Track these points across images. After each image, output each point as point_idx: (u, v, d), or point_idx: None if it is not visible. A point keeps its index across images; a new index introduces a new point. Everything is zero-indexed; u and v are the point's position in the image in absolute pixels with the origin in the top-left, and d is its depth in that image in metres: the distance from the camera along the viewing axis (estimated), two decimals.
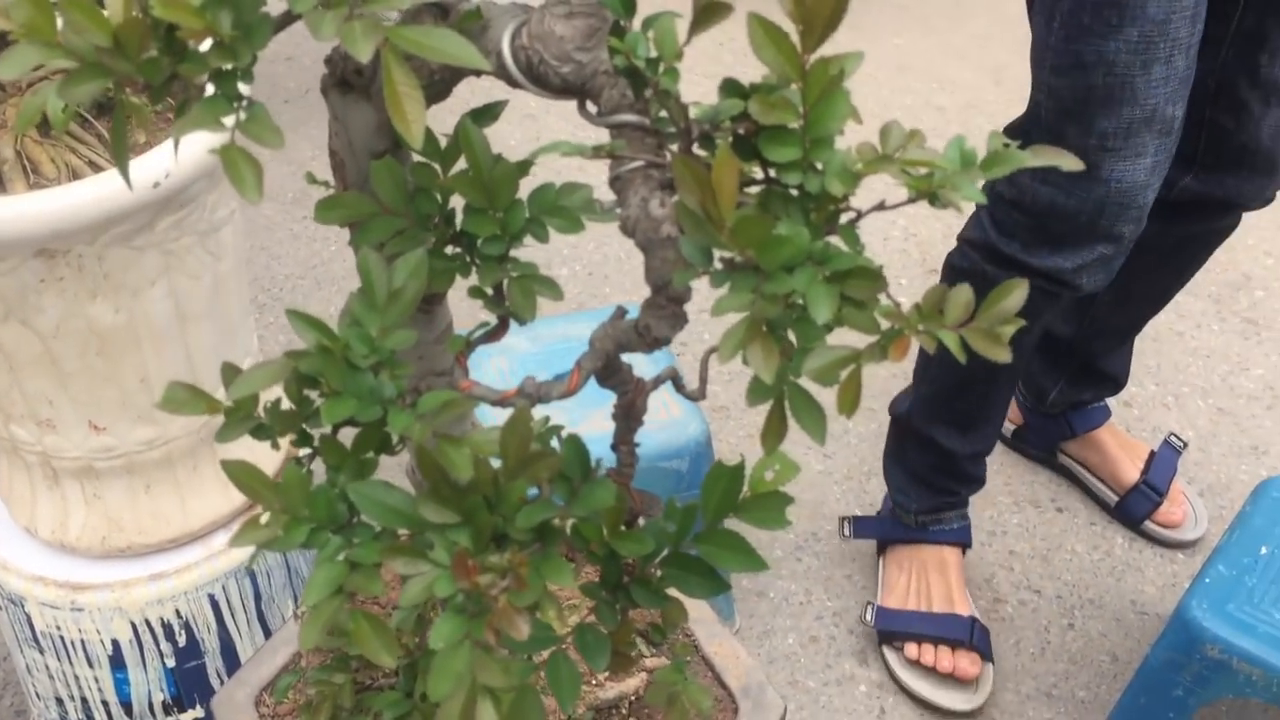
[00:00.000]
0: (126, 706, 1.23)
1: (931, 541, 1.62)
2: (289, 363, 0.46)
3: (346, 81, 0.56)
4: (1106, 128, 1.19)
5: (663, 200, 0.46)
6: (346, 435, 0.54)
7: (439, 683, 0.44)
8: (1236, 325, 2.14)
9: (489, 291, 0.55)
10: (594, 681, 0.90)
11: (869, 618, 1.59)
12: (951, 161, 0.43)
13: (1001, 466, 1.87)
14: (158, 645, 1.20)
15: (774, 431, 0.48)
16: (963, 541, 1.63)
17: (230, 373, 0.47)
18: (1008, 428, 1.83)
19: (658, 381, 0.55)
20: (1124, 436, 1.77)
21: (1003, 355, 0.43)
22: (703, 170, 0.40)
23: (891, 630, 1.58)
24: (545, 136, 2.65)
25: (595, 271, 2.31)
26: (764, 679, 0.90)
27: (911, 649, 1.56)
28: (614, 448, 0.58)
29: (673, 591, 0.59)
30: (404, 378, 0.49)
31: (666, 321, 0.48)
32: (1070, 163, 0.43)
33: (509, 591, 0.44)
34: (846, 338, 0.45)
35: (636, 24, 0.49)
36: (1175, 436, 1.79)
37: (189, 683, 1.24)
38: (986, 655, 1.55)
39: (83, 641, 1.18)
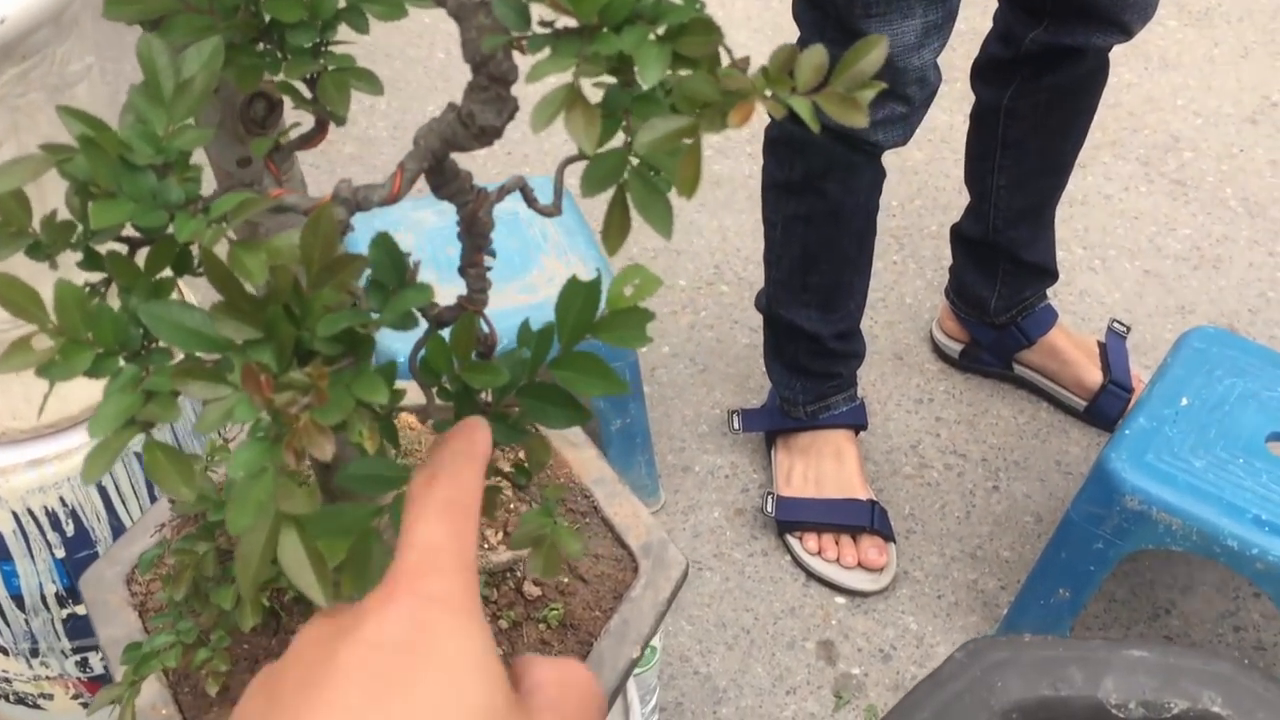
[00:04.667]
0: (17, 600, 1.18)
1: (823, 428, 1.59)
2: (47, 158, 0.40)
3: None
4: None
5: None
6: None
7: (239, 515, 0.39)
8: (1165, 187, 2.11)
9: (305, 93, 0.49)
10: (487, 546, 0.86)
11: (769, 508, 1.57)
12: None
13: (929, 335, 1.84)
14: (44, 535, 1.14)
15: (616, 226, 0.42)
16: (855, 423, 1.61)
17: None
18: (953, 347, 1.79)
19: (502, 191, 0.50)
20: (1074, 335, 1.74)
21: (860, 120, 0.38)
22: None
23: (792, 520, 1.56)
24: None
25: (514, 151, 2.23)
26: (665, 537, 0.87)
27: (811, 541, 1.55)
28: (461, 271, 0.52)
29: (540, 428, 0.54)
30: (196, 181, 0.43)
31: (492, 106, 0.42)
32: None
33: (310, 409, 0.39)
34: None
35: None
36: (1118, 323, 1.75)
37: (82, 573, 1.18)
38: (889, 536, 1.54)
39: None
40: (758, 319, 1.88)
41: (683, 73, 0.38)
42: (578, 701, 0.39)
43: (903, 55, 1.21)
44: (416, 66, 2.46)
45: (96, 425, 0.42)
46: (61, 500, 1.13)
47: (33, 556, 1.15)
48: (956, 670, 0.53)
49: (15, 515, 1.12)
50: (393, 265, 0.43)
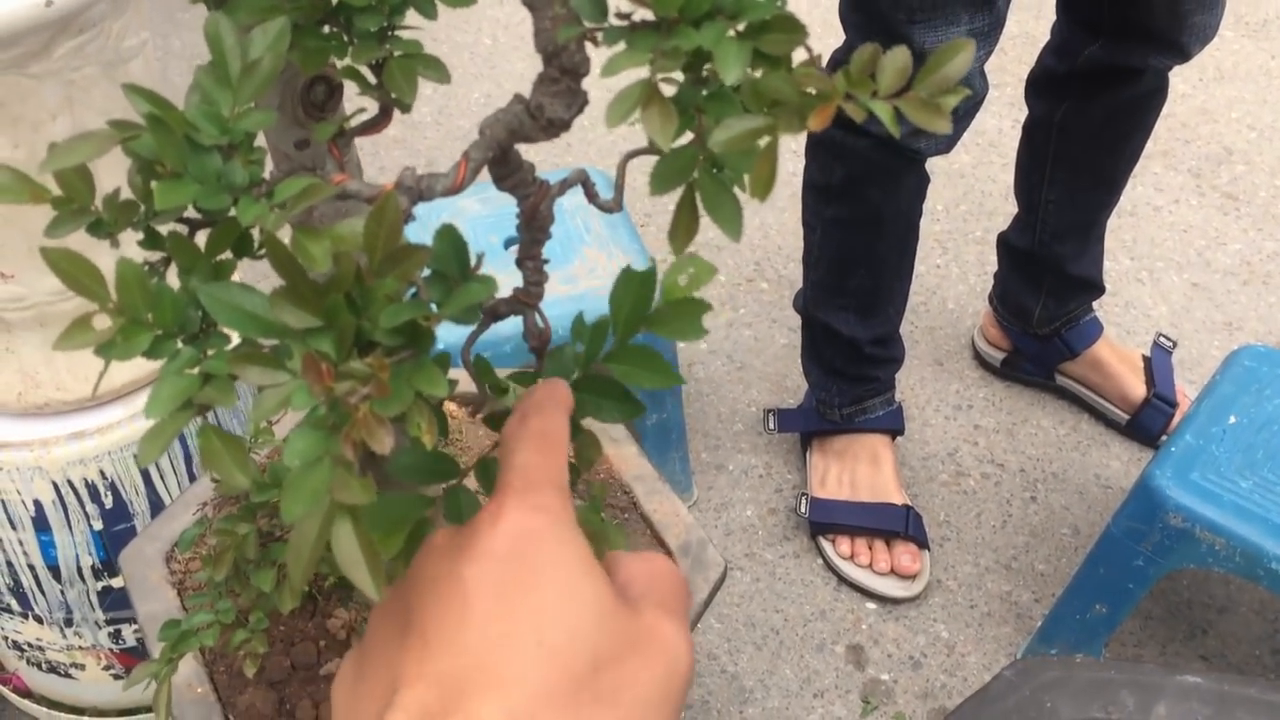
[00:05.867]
0: (54, 570, 1.19)
1: (859, 431, 1.58)
2: (113, 134, 0.39)
3: None
4: (913, 1, 1.17)
5: None
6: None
7: (293, 503, 0.39)
8: (1215, 200, 2.08)
9: (370, 79, 0.48)
10: None
11: (803, 509, 1.56)
12: None
13: (970, 342, 1.83)
14: (83, 507, 1.15)
15: (684, 226, 0.42)
16: (892, 428, 1.59)
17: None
18: (995, 356, 1.77)
19: (564, 185, 0.49)
20: (1118, 347, 1.71)
21: (943, 125, 0.37)
22: None
23: (825, 522, 1.55)
24: None
25: (560, 139, 2.22)
26: (704, 536, 0.86)
27: (844, 545, 1.53)
28: (519, 263, 0.52)
29: (587, 424, 0.53)
30: (259, 164, 0.42)
31: (561, 99, 0.42)
32: None
33: (370, 400, 0.38)
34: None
35: None
36: (1164, 337, 1.73)
37: (119, 546, 1.19)
38: (923, 544, 1.53)
39: (3, 502, 1.13)
40: (796, 318, 1.86)
41: (759, 71, 0.37)
42: (670, 588, 0.41)
43: None
44: (463, 52, 2.45)
45: (153, 406, 0.42)
46: (101, 473, 1.13)
47: (71, 528, 1.16)
48: (1005, 689, 0.52)
49: (55, 486, 1.12)
50: (456, 257, 0.42)
